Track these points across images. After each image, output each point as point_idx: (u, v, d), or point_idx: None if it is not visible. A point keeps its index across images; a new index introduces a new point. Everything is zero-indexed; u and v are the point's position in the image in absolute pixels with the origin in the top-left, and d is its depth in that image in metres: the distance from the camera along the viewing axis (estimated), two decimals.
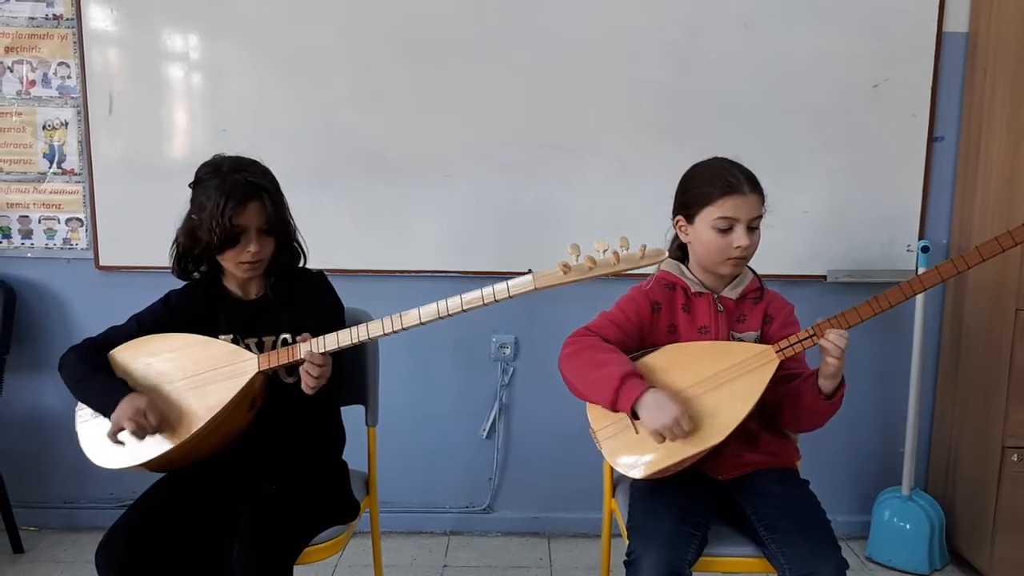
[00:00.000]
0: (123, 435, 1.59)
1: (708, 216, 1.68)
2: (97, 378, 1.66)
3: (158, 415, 1.60)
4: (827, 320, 1.60)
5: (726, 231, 1.67)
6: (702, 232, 1.70)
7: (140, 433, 1.58)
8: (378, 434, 2.01)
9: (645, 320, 1.74)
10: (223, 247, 1.68)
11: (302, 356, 1.61)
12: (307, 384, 1.61)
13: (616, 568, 1.68)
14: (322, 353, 1.60)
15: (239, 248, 1.69)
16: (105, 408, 1.61)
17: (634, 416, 1.58)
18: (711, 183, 1.69)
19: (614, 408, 1.59)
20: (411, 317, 1.59)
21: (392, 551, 2.64)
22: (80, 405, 1.71)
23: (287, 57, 2.53)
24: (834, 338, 1.56)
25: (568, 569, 2.58)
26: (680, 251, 1.82)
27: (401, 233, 2.60)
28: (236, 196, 1.65)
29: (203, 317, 1.76)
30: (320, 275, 1.87)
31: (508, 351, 2.71)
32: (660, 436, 1.54)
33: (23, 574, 2.51)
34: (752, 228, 1.69)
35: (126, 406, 1.58)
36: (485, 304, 1.55)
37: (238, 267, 1.72)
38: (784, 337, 1.66)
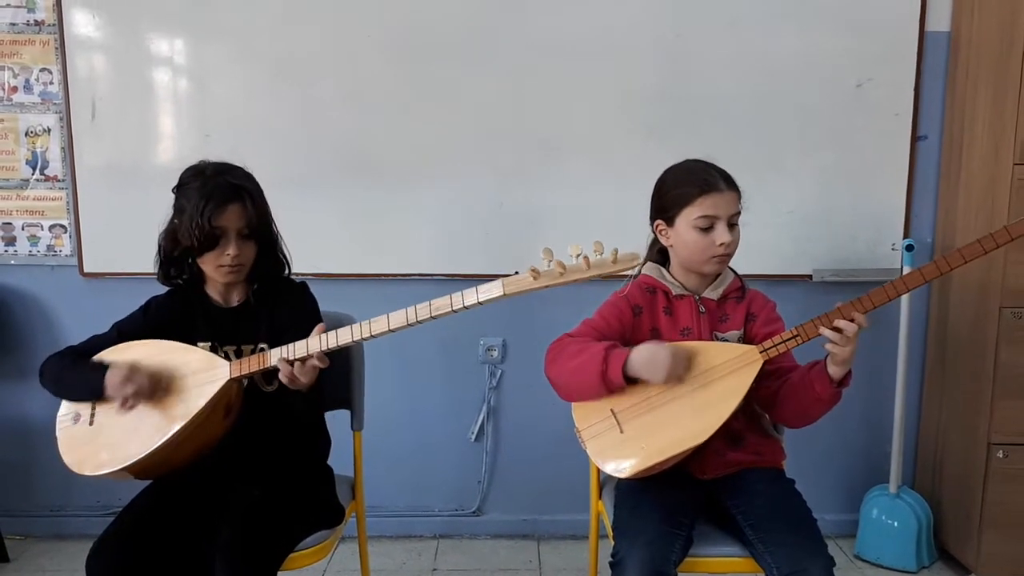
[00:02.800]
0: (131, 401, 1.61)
1: (689, 216, 1.70)
2: (76, 369, 1.67)
3: (145, 374, 1.61)
4: (824, 315, 1.58)
5: (707, 230, 1.69)
6: (684, 233, 1.71)
7: (137, 397, 1.60)
8: (366, 438, 2.00)
9: (627, 325, 1.75)
10: (202, 249, 1.68)
11: (273, 363, 1.59)
12: (299, 379, 1.58)
13: (605, 570, 1.68)
14: (324, 351, 1.58)
15: (218, 251, 1.68)
16: (96, 389, 1.62)
17: (629, 381, 1.58)
18: (689, 183, 1.71)
19: (606, 382, 1.59)
20: (379, 324, 1.57)
21: (381, 555, 2.63)
22: (62, 412, 1.70)
23: (271, 61, 2.52)
24: (844, 327, 1.54)
25: (558, 571, 2.58)
26: (660, 255, 1.83)
27: (388, 236, 2.59)
28: (216, 197, 1.66)
29: (182, 324, 1.75)
30: (303, 286, 1.87)
31: (496, 354, 2.71)
32: (672, 382, 1.57)
33: None
34: (732, 225, 1.70)
35: (113, 377, 1.60)
36: (454, 311, 1.53)
37: (218, 271, 1.72)
38: (768, 333, 1.68)
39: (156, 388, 1.63)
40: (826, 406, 1.64)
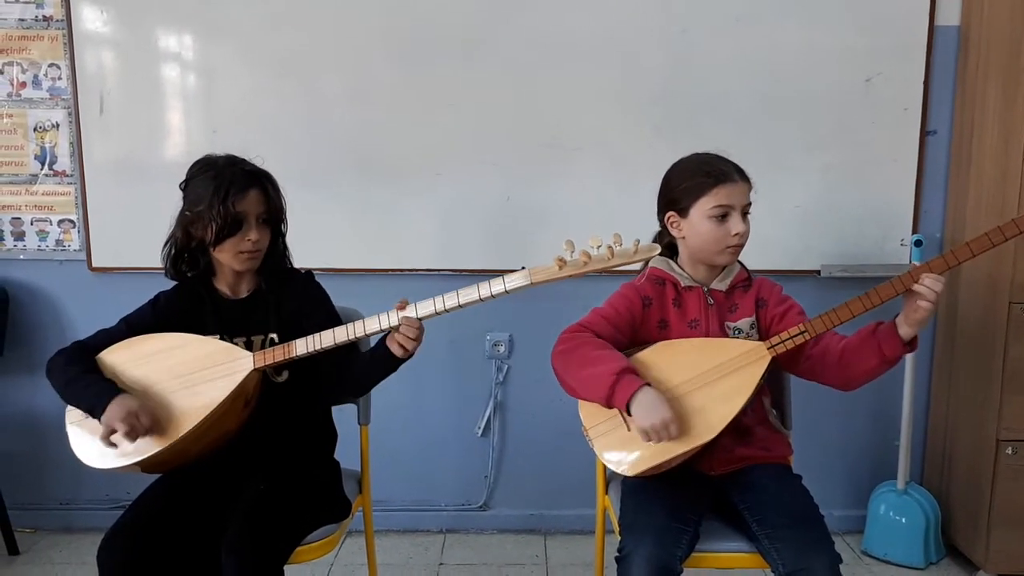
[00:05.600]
0: (115, 437, 1.58)
1: (704, 206, 1.70)
2: (86, 379, 1.64)
3: (150, 416, 1.59)
4: (897, 278, 1.57)
5: (722, 219, 1.69)
6: (698, 224, 1.71)
7: (132, 435, 1.57)
8: (373, 432, 2.00)
9: (636, 315, 1.75)
10: (223, 236, 1.68)
11: (299, 354, 1.61)
12: (404, 348, 1.61)
13: (611, 565, 1.68)
14: (418, 318, 1.60)
15: (239, 236, 1.69)
16: (95, 410, 1.59)
17: (628, 412, 1.58)
18: (703, 174, 1.71)
19: (609, 404, 1.60)
20: (409, 313, 1.61)
21: (388, 549, 2.64)
22: (70, 407, 1.70)
23: (278, 58, 2.53)
24: (930, 283, 1.53)
25: (564, 566, 2.58)
26: (667, 249, 1.82)
27: (393, 232, 2.59)
28: (237, 183, 1.67)
29: (191, 317, 1.76)
30: (310, 276, 1.87)
31: (502, 348, 2.71)
32: (647, 435, 1.55)
33: None
34: (744, 215, 1.71)
35: (117, 408, 1.57)
36: (482, 299, 1.57)
37: (237, 257, 1.72)
38: (782, 313, 1.70)
39: (149, 431, 1.59)
40: (889, 367, 1.62)
